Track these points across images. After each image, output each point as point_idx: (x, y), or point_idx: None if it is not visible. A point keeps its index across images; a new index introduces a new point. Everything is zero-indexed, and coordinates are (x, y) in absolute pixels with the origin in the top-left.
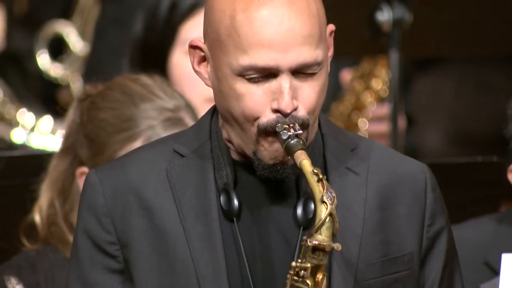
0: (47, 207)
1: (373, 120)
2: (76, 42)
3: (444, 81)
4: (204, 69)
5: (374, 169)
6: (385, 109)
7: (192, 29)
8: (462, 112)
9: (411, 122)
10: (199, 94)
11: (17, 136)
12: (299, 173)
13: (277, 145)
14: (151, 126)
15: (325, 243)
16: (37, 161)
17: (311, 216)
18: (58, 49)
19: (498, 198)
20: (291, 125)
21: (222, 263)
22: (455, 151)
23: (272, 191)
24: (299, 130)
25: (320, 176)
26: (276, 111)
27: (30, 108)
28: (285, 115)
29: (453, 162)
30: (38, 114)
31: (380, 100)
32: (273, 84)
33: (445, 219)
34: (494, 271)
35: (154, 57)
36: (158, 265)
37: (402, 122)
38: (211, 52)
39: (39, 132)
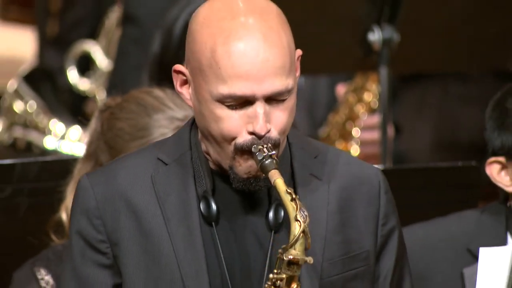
0: None
1: (365, 128)
2: (101, 60)
3: (428, 94)
4: (186, 90)
5: (335, 174)
6: (375, 119)
7: None
8: (444, 122)
9: (398, 131)
10: None
11: (49, 143)
12: (270, 185)
13: (250, 162)
14: (163, 134)
15: (299, 257)
16: (65, 166)
17: (281, 220)
18: (85, 66)
19: (477, 198)
20: (265, 146)
21: (203, 263)
22: (438, 156)
23: (246, 198)
24: (272, 151)
25: (293, 196)
26: (251, 133)
27: (60, 118)
28: (260, 137)
29: (436, 167)
30: (68, 123)
31: (371, 111)
32: (249, 109)
33: (396, 218)
34: (476, 257)
35: (170, 72)
36: (144, 261)
37: (390, 131)
38: (192, 78)
39: (69, 140)
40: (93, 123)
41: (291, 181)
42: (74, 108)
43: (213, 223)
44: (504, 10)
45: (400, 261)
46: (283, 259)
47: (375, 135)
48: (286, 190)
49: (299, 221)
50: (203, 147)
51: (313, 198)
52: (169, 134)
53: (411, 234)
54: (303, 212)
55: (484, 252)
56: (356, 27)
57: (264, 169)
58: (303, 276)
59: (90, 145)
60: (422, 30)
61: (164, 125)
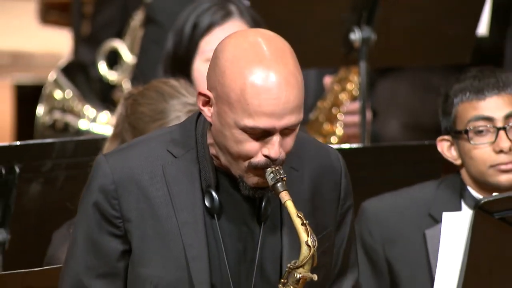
0: None
1: (347, 113)
2: (127, 55)
3: (399, 84)
4: (208, 109)
5: (307, 164)
6: (356, 105)
7: (209, 43)
8: (413, 107)
9: (375, 115)
10: None
11: (82, 124)
12: (271, 194)
13: (259, 177)
14: (177, 117)
15: (307, 276)
16: (95, 144)
17: (269, 213)
18: (113, 60)
19: (439, 171)
20: (276, 168)
21: (204, 247)
22: (408, 136)
23: (242, 195)
24: (282, 174)
25: (304, 221)
26: (266, 156)
27: (92, 104)
28: (273, 160)
29: (406, 145)
30: (98, 108)
31: (353, 98)
32: (268, 139)
33: (352, 197)
34: (436, 221)
35: (181, 65)
36: (153, 240)
37: (369, 115)
38: (217, 102)
39: (99, 122)
40: (119, 108)
41: None
42: (103, 96)
43: (215, 215)
44: (463, 13)
45: (352, 232)
46: (293, 274)
47: (356, 118)
48: (297, 213)
49: (309, 246)
50: (212, 151)
51: (294, 190)
52: (183, 117)
53: (381, 202)
54: (313, 237)
55: (447, 217)
56: (339, 28)
57: (275, 190)
58: (284, 257)
59: (116, 126)
60: (395, 30)
61: (179, 109)
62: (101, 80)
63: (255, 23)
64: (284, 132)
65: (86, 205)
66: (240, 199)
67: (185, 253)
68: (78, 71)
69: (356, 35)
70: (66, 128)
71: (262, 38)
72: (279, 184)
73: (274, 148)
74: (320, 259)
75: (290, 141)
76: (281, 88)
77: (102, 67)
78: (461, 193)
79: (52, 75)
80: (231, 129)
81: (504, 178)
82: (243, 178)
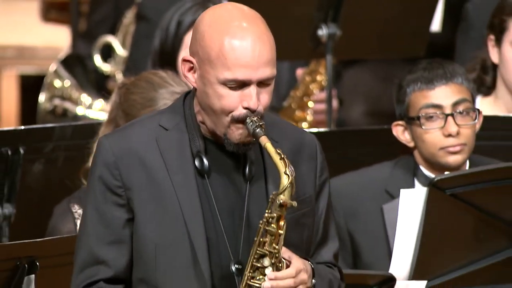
0: None
1: (317, 101)
2: (119, 49)
3: (362, 75)
4: (192, 75)
5: (285, 139)
6: (324, 94)
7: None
8: (374, 96)
9: (341, 103)
10: None
11: (79, 111)
12: (252, 148)
13: (242, 131)
14: (166, 104)
15: (287, 201)
16: (92, 128)
17: (253, 173)
18: (107, 54)
19: (397, 153)
20: (255, 117)
21: (198, 205)
22: (369, 121)
23: (229, 158)
24: (261, 121)
25: (282, 156)
26: (245, 108)
27: (88, 93)
28: (252, 111)
29: (367, 129)
30: (94, 97)
31: (322, 88)
32: (245, 90)
33: (327, 172)
34: (392, 196)
35: (167, 58)
36: (152, 203)
37: (335, 103)
38: (199, 66)
39: (94, 109)
40: (113, 96)
41: (257, 143)
42: (98, 85)
43: (205, 175)
44: (419, 11)
45: (329, 205)
46: (275, 201)
47: (323, 106)
48: (276, 151)
49: (287, 174)
50: (199, 118)
51: None
52: (170, 103)
53: (344, 180)
54: (291, 168)
55: (404, 193)
56: (308, 25)
57: (255, 136)
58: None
59: (111, 112)
60: (358, 27)
61: (167, 97)
62: (96, 71)
63: None
64: (260, 86)
65: (92, 181)
66: (227, 162)
67: (182, 211)
68: (76, 63)
69: (323, 31)
70: (64, 114)
71: (235, 6)
72: (258, 130)
73: (253, 99)
74: (302, 220)
75: (266, 96)
76: (255, 43)
77: (97, 60)
78: (414, 172)
79: (52, 67)
80: (213, 86)
81: (452, 159)
82: (227, 135)
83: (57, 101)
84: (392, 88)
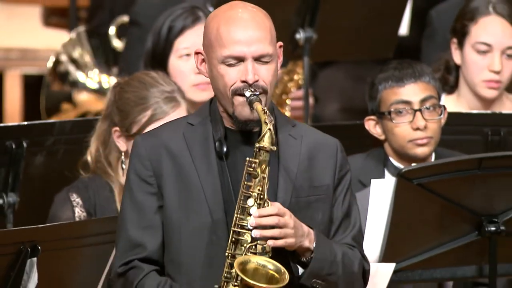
0: (95, 151)
1: (294, 99)
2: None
3: (336, 74)
4: (204, 67)
5: (305, 137)
6: (301, 92)
7: (182, 43)
8: (347, 93)
9: (316, 100)
10: (185, 82)
11: (81, 77)
12: (260, 126)
13: (245, 107)
14: (157, 102)
15: (266, 145)
16: (89, 123)
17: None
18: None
19: (369, 145)
20: (252, 89)
21: (218, 184)
22: (343, 117)
23: (245, 144)
24: (256, 92)
25: (266, 111)
26: (243, 81)
27: (99, 66)
28: (249, 84)
29: (342, 124)
30: (102, 70)
31: (299, 87)
32: (242, 66)
33: (349, 167)
34: (364, 185)
35: (158, 61)
36: (178, 188)
37: (311, 100)
38: (206, 54)
39: (93, 80)
40: (109, 94)
41: (275, 138)
42: (110, 60)
43: (224, 158)
44: (388, 17)
45: (348, 194)
46: (256, 146)
47: (301, 103)
48: (262, 108)
49: (266, 122)
50: (220, 109)
51: (290, 149)
52: (161, 102)
53: None
54: (269, 117)
55: (375, 183)
56: (287, 29)
57: (250, 103)
58: (280, 193)
59: (106, 109)
60: (332, 31)
61: (157, 96)
62: (110, 47)
63: None
64: (258, 63)
65: (129, 173)
66: (245, 148)
67: (204, 191)
68: (95, 36)
69: (300, 35)
70: (66, 74)
71: (240, 2)
72: (253, 97)
73: (248, 72)
74: (315, 204)
75: (266, 72)
76: (248, 21)
77: (112, 36)
78: (385, 163)
79: (80, 29)
80: (216, 67)
81: (420, 151)
82: (234, 113)
83: (64, 58)
84: (364, 86)
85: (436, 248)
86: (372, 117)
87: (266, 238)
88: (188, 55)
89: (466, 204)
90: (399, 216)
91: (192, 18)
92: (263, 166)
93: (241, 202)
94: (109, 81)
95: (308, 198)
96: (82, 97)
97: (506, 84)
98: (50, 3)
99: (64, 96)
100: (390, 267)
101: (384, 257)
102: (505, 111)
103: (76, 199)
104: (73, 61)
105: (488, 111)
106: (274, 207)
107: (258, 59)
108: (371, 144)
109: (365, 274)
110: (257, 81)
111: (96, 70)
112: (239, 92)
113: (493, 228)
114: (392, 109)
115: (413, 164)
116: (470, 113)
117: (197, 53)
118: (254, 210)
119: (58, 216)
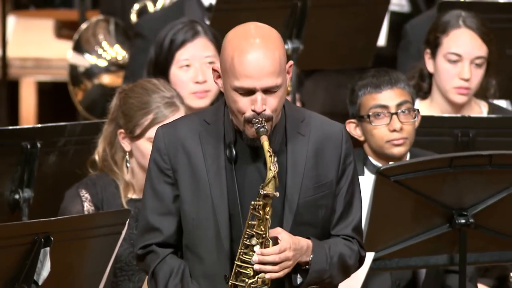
0: (102, 151)
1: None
2: (151, 10)
3: (320, 81)
4: (220, 82)
5: (313, 131)
6: (289, 98)
7: (182, 54)
8: (330, 99)
9: (303, 105)
10: (185, 90)
11: (91, 59)
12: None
13: (253, 130)
14: (158, 106)
15: (270, 193)
16: (97, 126)
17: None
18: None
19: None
20: (260, 119)
21: (224, 186)
22: None
23: (253, 150)
24: (264, 123)
25: (271, 153)
26: (253, 111)
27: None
28: (258, 113)
29: None
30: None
31: (287, 93)
32: (252, 96)
33: (352, 157)
34: None
35: (160, 70)
36: (190, 183)
37: (298, 104)
38: (222, 74)
39: (104, 58)
40: (114, 100)
41: (284, 138)
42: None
43: (233, 163)
44: (367, 29)
45: (352, 184)
46: (261, 193)
47: None
48: (268, 149)
49: (271, 169)
50: (231, 117)
51: (298, 149)
52: (161, 106)
53: None
54: (275, 164)
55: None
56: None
57: (258, 133)
58: (287, 197)
59: (112, 113)
60: (317, 42)
61: (158, 101)
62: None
63: (215, 38)
64: (267, 93)
65: (150, 164)
66: (253, 153)
67: (211, 193)
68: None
69: (288, 46)
70: (77, 75)
71: (254, 25)
72: (261, 129)
73: (258, 103)
74: (320, 201)
75: (273, 101)
76: (259, 57)
77: (133, 17)
78: (364, 162)
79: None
80: (229, 92)
81: (396, 150)
82: (244, 131)
83: (70, 56)
84: (345, 92)
85: (411, 239)
86: (353, 120)
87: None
88: (188, 65)
89: (439, 199)
90: (378, 210)
91: (191, 32)
92: (267, 209)
93: (245, 239)
94: (118, 52)
95: (313, 197)
96: (105, 80)
97: (474, 91)
98: (62, 17)
99: (94, 91)
100: (370, 256)
101: (364, 247)
102: (473, 114)
103: (85, 194)
104: (78, 47)
105: (458, 115)
106: (276, 247)
107: (267, 90)
108: (355, 145)
109: (360, 261)
110: (264, 110)
111: (105, 44)
112: (250, 121)
113: (463, 221)
114: (371, 113)
115: (390, 163)
116: (442, 116)
117: (214, 70)
118: (257, 249)
119: (68, 209)
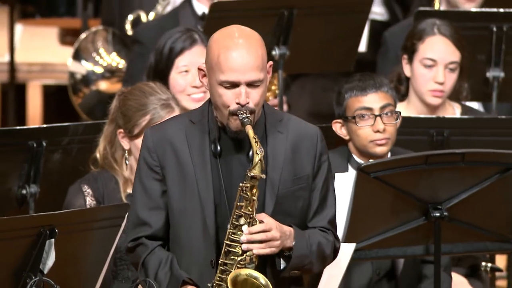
0: (103, 149)
1: (271, 106)
2: (144, 19)
3: (306, 85)
4: (205, 80)
5: (291, 131)
6: (277, 100)
7: (181, 61)
8: (315, 101)
9: (290, 106)
10: (183, 93)
11: (87, 66)
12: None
13: (237, 122)
14: (154, 108)
15: (257, 174)
16: (98, 126)
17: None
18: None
19: (334, 145)
20: (244, 111)
21: (210, 179)
22: (311, 121)
23: (237, 144)
24: (248, 114)
25: (256, 139)
26: (238, 103)
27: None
28: (242, 106)
29: None
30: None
31: (275, 95)
32: (236, 90)
33: (327, 155)
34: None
35: (160, 75)
36: (178, 179)
37: (285, 107)
38: (207, 72)
39: (100, 65)
40: (114, 101)
41: (264, 135)
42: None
43: (217, 157)
44: (349, 36)
45: (326, 181)
46: (248, 175)
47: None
48: (253, 136)
49: (258, 153)
50: (215, 113)
51: (277, 144)
52: (158, 108)
53: None
54: (261, 148)
55: (338, 176)
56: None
57: (243, 124)
58: (268, 188)
59: (112, 114)
60: (302, 49)
61: (155, 103)
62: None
63: None
64: (250, 87)
65: (139, 161)
66: (236, 147)
67: (197, 185)
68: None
69: (276, 52)
70: (75, 82)
71: (237, 28)
72: (245, 120)
73: (242, 96)
74: (298, 193)
75: (256, 95)
76: (243, 52)
77: (128, 27)
78: (348, 159)
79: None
80: (215, 87)
81: (379, 149)
82: (228, 124)
83: (70, 64)
84: (329, 94)
85: (390, 231)
86: (339, 120)
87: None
88: (186, 71)
89: (415, 194)
90: (359, 204)
91: (189, 41)
92: (254, 191)
93: (233, 220)
94: (114, 60)
95: (292, 189)
96: (102, 86)
97: (448, 93)
98: (65, 25)
99: (92, 97)
100: (351, 247)
101: (346, 238)
102: (447, 115)
103: (87, 189)
104: (77, 55)
105: (433, 116)
106: (262, 225)
107: (250, 84)
108: (334, 143)
109: (335, 251)
110: (248, 103)
111: (102, 51)
112: (234, 113)
113: (437, 214)
114: (356, 114)
115: (370, 160)
116: (418, 117)
117: (199, 69)
118: (245, 228)
119: (72, 203)
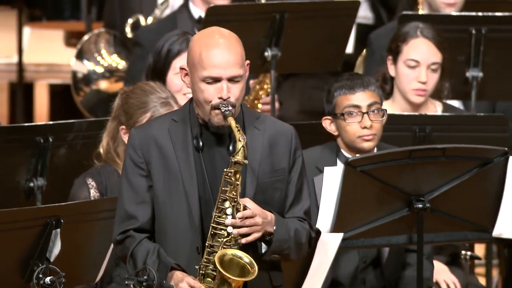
0: (106, 145)
1: (264, 104)
2: (143, 23)
3: (296, 84)
4: (187, 79)
5: (267, 128)
6: (269, 98)
7: (178, 63)
8: (305, 99)
9: (281, 104)
10: (179, 92)
11: (89, 65)
12: (230, 130)
13: (219, 116)
14: (155, 106)
15: (240, 160)
16: (101, 123)
17: (235, 151)
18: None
19: (323, 140)
20: (226, 104)
21: (193, 172)
22: (302, 118)
23: (218, 139)
24: (229, 107)
25: (239, 128)
26: (219, 98)
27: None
28: (224, 100)
29: (301, 123)
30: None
31: (267, 94)
32: (218, 85)
33: (300, 151)
34: (320, 171)
35: (158, 75)
36: (163, 173)
37: (277, 104)
38: (190, 70)
39: (101, 65)
40: (117, 100)
41: (242, 130)
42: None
43: (200, 151)
44: (337, 38)
45: (301, 174)
46: (232, 160)
47: (269, 107)
48: (235, 125)
49: (241, 140)
50: (197, 111)
51: (255, 139)
52: (158, 106)
53: None
54: (243, 136)
55: (327, 170)
56: (257, 48)
57: (225, 116)
58: (248, 177)
59: (115, 112)
60: (293, 50)
61: (155, 101)
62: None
63: None
64: (230, 82)
65: (125, 160)
66: (217, 142)
67: (182, 177)
68: (117, 38)
69: (268, 53)
70: (76, 81)
71: (217, 29)
72: (227, 112)
73: (224, 90)
74: (275, 184)
75: (236, 90)
76: (224, 49)
77: (128, 30)
78: (337, 154)
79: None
80: (197, 83)
81: (366, 145)
82: (210, 119)
83: (92, 47)
84: (318, 93)
85: (375, 221)
86: (328, 117)
87: (239, 234)
88: None
89: (399, 187)
90: (346, 196)
91: (186, 43)
92: (237, 176)
93: (219, 203)
94: (115, 60)
95: (270, 180)
96: (102, 85)
97: (430, 92)
98: (70, 28)
99: (92, 96)
100: (339, 236)
101: (334, 228)
102: (429, 113)
103: (91, 182)
104: (80, 55)
105: (416, 113)
106: (248, 211)
107: (231, 79)
108: (323, 139)
109: (310, 241)
110: (229, 97)
111: (103, 52)
112: (216, 107)
113: (420, 205)
114: (345, 111)
115: (357, 155)
116: (402, 114)
117: (182, 68)
118: (229, 211)
119: (77, 196)
